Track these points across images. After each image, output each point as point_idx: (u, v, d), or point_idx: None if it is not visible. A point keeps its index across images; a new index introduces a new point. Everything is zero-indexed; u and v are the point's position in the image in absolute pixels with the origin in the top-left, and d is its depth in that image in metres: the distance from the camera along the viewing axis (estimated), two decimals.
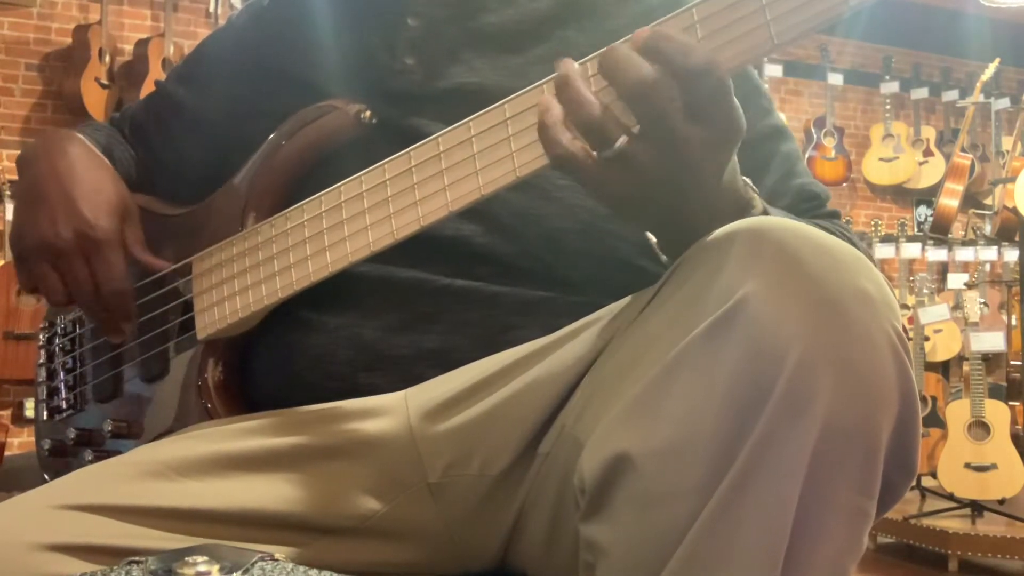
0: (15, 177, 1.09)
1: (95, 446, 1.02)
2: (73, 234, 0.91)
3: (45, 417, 1.10)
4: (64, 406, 1.08)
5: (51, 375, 1.11)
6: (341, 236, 0.84)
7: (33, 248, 0.93)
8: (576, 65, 0.69)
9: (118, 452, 0.97)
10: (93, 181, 0.94)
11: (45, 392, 1.11)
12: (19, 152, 1.00)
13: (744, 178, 0.74)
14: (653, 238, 0.76)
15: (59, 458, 1.06)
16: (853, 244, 0.86)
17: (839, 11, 0.65)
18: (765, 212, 0.75)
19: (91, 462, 1.00)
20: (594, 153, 0.66)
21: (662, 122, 0.64)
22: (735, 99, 0.66)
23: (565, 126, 0.67)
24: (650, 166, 0.66)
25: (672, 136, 0.65)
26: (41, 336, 1.14)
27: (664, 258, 0.76)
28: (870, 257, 0.81)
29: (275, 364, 0.90)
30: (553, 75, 0.72)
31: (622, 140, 0.65)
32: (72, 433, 1.03)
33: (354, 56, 0.94)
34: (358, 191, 0.83)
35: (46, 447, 1.08)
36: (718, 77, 0.64)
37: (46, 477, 1.08)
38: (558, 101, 0.68)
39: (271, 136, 0.92)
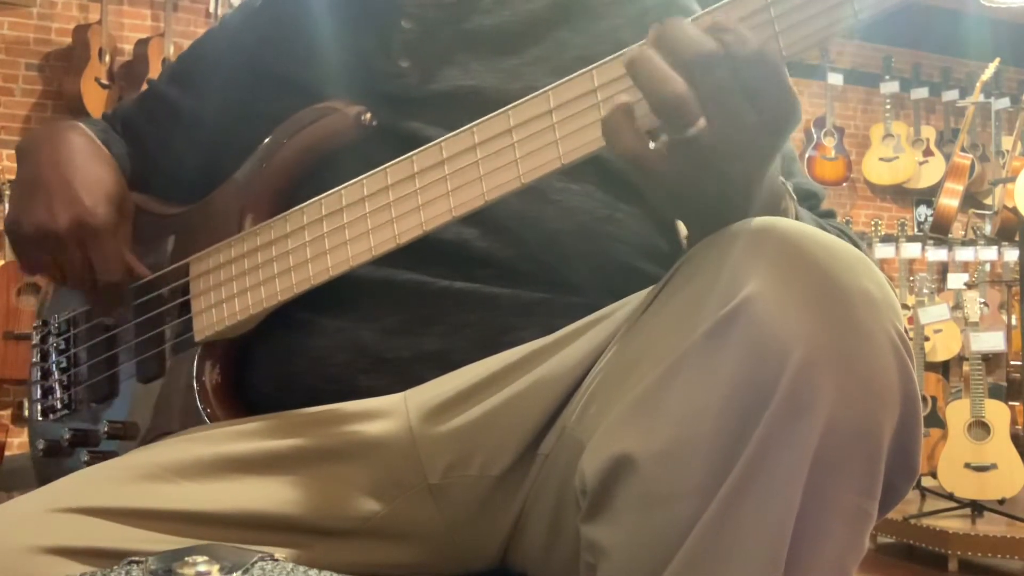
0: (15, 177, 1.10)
1: (91, 446, 1.02)
2: (70, 221, 0.91)
3: (39, 417, 1.10)
4: (59, 406, 1.07)
5: (45, 374, 1.10)
6: (342, 240, 0.83)
7: (29, 234, 0.92)
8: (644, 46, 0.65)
9: (114, 452, 0.97)
10: (94, 171, 0.94)
11: (39, 391, 1.10)
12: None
13: (784, 180, 0.73)
14: (684, 230, 0.75)
15: (54, 458, 1.06)
16: (852, 243, 0.86)
17: (848, 23, 0.66)
18: (798, 217, 0.75)
19: (87, 462, 0.99)
20: (657, 144, 0.64)
21: (723, 98, 0.63)
22: (792, 87, 0.65)
23: (629, 119, 0.65)
24: (710, 151, 0.64)
25: (732, 115, 0.63)
26: (34, 335, 1.13)
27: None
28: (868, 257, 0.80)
29: (273, 366, 0.90)
30: (557, 83, 0.72)
31: (700, 123, 0.63)
32: (67, 433, 1.03)
33: (349, 59, 0.94)
34: (360, 196, 0.83)
35: (40, 447, 1.07)
36: (772, 63, 0.64)
37: (39, 476, 1.08)
38: (633, 81, 0.65)
39: (269, 138, 0.92)
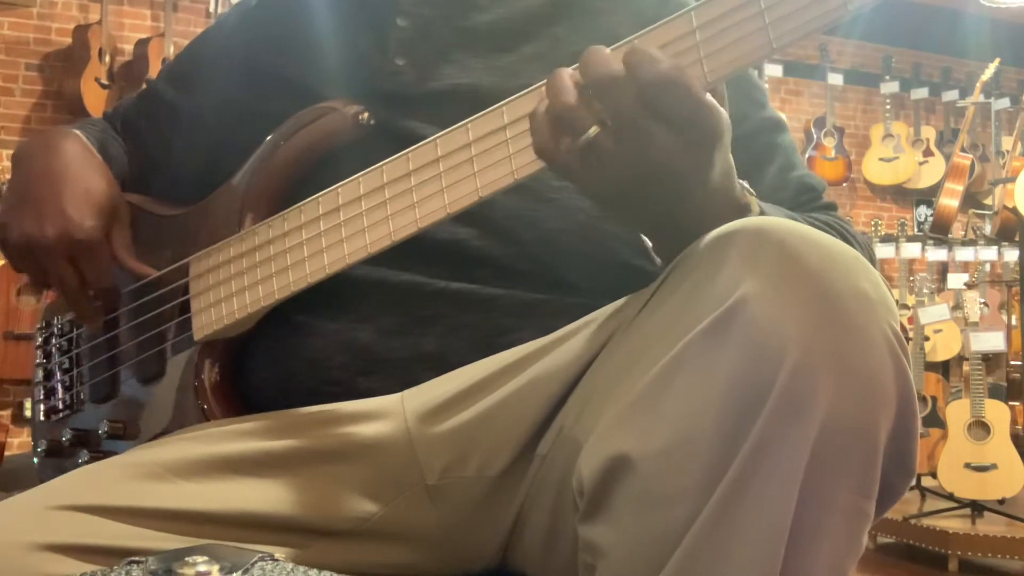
0: None
1: (91, 447, 1.02)
2: (58, 234, 0.91)
3: (42, 418, 1.10)
4: (60, 407, 1.08)
5: (48, 375, 1.11)
6: (339, 238, 0.84)
7: (18, 244, 0.93)
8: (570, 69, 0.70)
9: (114, 453, 0.97)
10: (85, 182, 0.95)
11: (42, 392, 1.11)
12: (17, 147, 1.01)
13: (742, 182, 0.74)
14: (648, 241, 0.77)
15: (55, 459, 1.06)
16: (851, 237, 0.86)
17: (838, 15, 0.66)
18: (762, 214, 0.75)
19: (87, 463, 1.00)
20: (567, 143, 0.68)
21: (624, 118, 0.65)
22: (711, 104, 0.66)
23: (550, 120, 0.69)
24: (618, 160, 0.67)
25: (638, 134, 0.66)
26: (38, 336, 1.14)
27: (658, 261, 0.76)
28: (871, 250, 0.80)
29: (272, 368, 0.90)
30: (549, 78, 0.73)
31: (592, 130, 0.66)
32: (68, 434, 1.03)
33: (345, 57, 0.94)
34: (356, 194, 0.83)
35: (42, 448, 1.07)
36: (684, 85, 0.65)
37: (41, 478, 1.08)
38: (546, 92, 0.69)
39: (269, 138, 0.92)
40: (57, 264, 0.92)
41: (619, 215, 0.75)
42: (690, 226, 0.68)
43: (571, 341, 0.77)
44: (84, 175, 0.95)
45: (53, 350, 1.10)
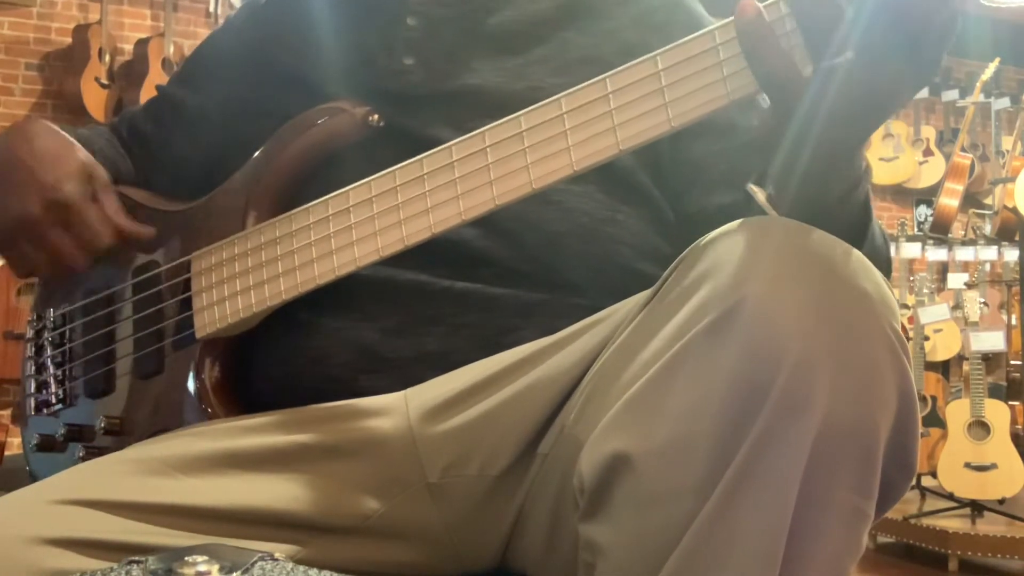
0: None
1: (86, 442, 1.01)
2: (43, 205, 0.92)
3: (32, 412, 1.10)
4: (53, 401, 1.07)
5: (40, 369, 1.10)
6: (349, 240, 0.84)
7: (11, 229, 0.93)
8: None
9: (109, 448, 0.97)
10: (52, 152, 0.95)
11: (33, 386, 1.10)
12: None
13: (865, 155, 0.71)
14: (759, 193, 0.70)
15: (47, 453, 1.05)
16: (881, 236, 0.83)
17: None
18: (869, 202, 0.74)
19: (82, 458, 0.99)
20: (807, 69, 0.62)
21: (885, 39, 0.60)
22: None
23: (772, 32, 0.63)
24: (857, 93, 0.61)
25: (886, 59, 0.60)
26: (28, 329, 1.13)
27: (772, 212, 0.70)
28: (873, 244, 0.78)
29: (274, 366, 0.90)
30: (570, 90, 0.72)
31: (848, 55, 0.60)
32: (62, 428, 1.03)
33: (352, 56, 0.94)
34: (367, 196, 0.83)
35: (33, 442, 1.07)
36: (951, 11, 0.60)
37: (30, 471, 1.07)
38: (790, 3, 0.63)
39: (275, 136, 0.92)
40: (49, 235, 0.92)
41: (795, 152, 0.65)
42: (841, 176, 0.66)
43: (575, 343, 0.78)
44: (50, 147, 0.96)
45: (45, 343, 1.10)
